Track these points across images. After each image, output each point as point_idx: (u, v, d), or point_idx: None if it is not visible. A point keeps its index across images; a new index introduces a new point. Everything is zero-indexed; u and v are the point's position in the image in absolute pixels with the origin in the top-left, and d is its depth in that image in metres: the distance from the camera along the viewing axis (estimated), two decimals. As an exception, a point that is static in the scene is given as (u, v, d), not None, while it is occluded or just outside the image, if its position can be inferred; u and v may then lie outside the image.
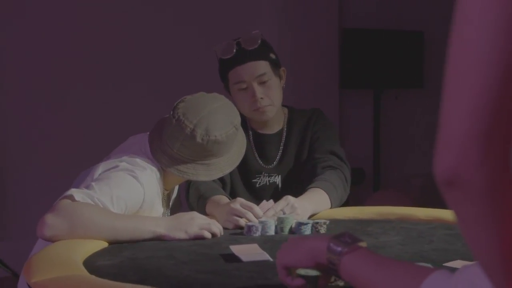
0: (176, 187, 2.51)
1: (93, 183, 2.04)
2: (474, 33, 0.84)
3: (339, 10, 5.76)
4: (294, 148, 2.66)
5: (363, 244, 1.30)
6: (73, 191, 1.97)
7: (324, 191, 2.37)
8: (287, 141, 2.67)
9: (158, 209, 2.27)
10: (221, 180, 2.55)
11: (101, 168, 2.15)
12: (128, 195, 2.08)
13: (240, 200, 2.21)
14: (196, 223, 2.02)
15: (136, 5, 5.03)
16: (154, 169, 2.20)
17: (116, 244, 1.94)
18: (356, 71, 5.76)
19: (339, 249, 1.28)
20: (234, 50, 2.53)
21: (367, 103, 5.92)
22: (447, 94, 0.87)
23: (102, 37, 4.94)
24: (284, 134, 2.68)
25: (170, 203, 2.42)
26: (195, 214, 2.07)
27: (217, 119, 2.18)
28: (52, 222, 1.90)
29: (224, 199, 2.35)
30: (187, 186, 2.50)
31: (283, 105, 2.71)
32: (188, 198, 2.49)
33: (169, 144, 2.20)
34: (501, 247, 0.88)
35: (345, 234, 1.31)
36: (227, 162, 2.25)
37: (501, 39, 0.83)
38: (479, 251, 0.91)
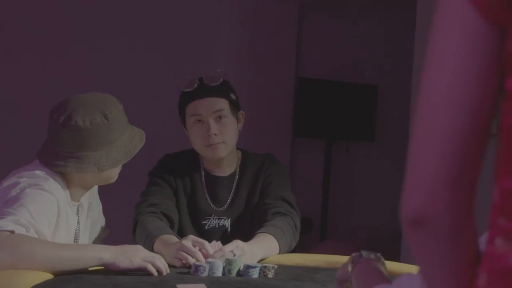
0: (100, 217, 2.49)
1: (9, 209, 1.98)
2: (444, 79, 0.87)
3: (296, 59, 5.83)
4: (245, 192, 2.66)
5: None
6: (3, 224, 1.91)
7: (273, 236, 2.37)
8: (239, 185, 2.66)
9: (72, 220, 2.25)
10: (169, 219, 2.52)
11: (1, 191, 2.11)
12: (45, 208, 2.05)
13: (192, 237, 2.20)
14: (140, 255, 2.01)
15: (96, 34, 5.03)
16: (57, 178, 2.19)
17: (61, 276, 1.90)
18: (310, 120, 5.81)
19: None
20: (196, 85, 2.54)
21: (319, 152, 5.96)
22: (417, 135, 0.89)
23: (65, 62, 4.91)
24: (237, 177, 2.67)
25: (79, 219, 2.36)
26: (140, 247, 2.06)
27: (84, 106, 2.18)
28: None
29: (173, 238, 2.32)
30: (133, 226, 2.47)
31: (237, 148, 2.71)
32: (134, 238, 2.46)
33: (47, 138, 2.23)
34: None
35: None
36: (106, 158, 2.21)
37: (471, 86, 0.85)
38: None
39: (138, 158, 3.34)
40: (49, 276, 1.90)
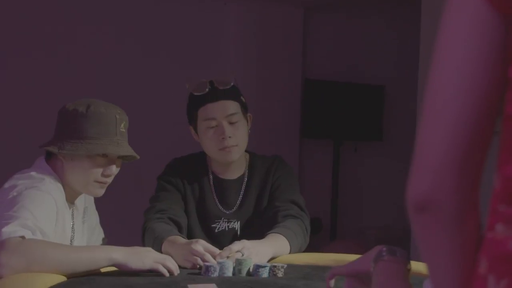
0: (98, 227, 2.52)
1: (10, 213, 2.00)
2: (453, 67, 0.89)
3: (302, 61, 5.85)
4: (254, 194, 2.66)
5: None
6: (12, 230, 1.93)
7: (285, 237, 2.38)
8: (248, 187, 2.67)
9: (68, 221, 2.27)
10: (177, 224, 2.52)
11: (1, 192, 2.15)
12: (45, 208, 2.09)
13: (202, 242, 2.21)
14: (151, 256, 2.04)
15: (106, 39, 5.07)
16: (52, 177, 2.23)
17: (74, 279, 1.93)
18: (317, 121, 5.83)
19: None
20: (207, 89, 2.54)
21: (327, 153, 5.98)
22: (425, 121, 0.91)
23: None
24: (245, 180, 2.68)
25: (74, 221, 2.37)
26: (150, 249, 2.11)
27: (82, 100, 2.31)
28: (8, 261, 1.88)
29: (180, 239, 2.34)
30: (143, 231, 2.49)
31: (245, 151, 2.72)
32: (143, 242, 2.47)
33: None
34: (461, 273, 0.92)
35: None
36: (71, 145, 2.23)
37: (479, 74, 0.88)
38: (438, 276, 0.94)
39: (146, 163, 3.37)
40: (62, 278, 1.93)
